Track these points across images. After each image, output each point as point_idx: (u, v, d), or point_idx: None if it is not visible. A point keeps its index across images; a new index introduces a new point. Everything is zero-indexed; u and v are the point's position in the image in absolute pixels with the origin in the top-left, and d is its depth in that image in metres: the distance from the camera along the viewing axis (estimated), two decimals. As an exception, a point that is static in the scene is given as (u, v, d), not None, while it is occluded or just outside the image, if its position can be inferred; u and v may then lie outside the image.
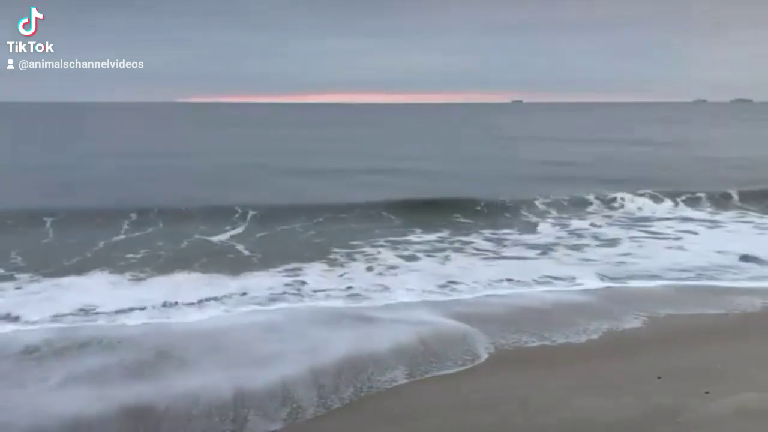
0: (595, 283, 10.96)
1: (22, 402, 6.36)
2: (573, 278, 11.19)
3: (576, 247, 13.73)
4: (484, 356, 7.72)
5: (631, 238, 14.70)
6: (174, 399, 6.39)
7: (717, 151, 34.90)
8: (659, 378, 6.93)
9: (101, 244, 13.27)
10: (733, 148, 36.34)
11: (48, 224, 14.46)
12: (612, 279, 11.27)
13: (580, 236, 14.88)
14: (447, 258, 12.65)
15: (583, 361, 7.64)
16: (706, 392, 6.48)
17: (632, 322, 8.94)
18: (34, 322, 8.61)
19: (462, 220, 16.18)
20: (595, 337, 8.43)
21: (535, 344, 8.15)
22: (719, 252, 13.11)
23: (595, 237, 14.78)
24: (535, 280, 11.04)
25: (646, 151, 35.09)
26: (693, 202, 18.30)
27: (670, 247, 13.92)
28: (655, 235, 15.10)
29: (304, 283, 10.75)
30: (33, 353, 7.60)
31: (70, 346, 7.78)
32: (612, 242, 14.26)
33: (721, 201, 18.34)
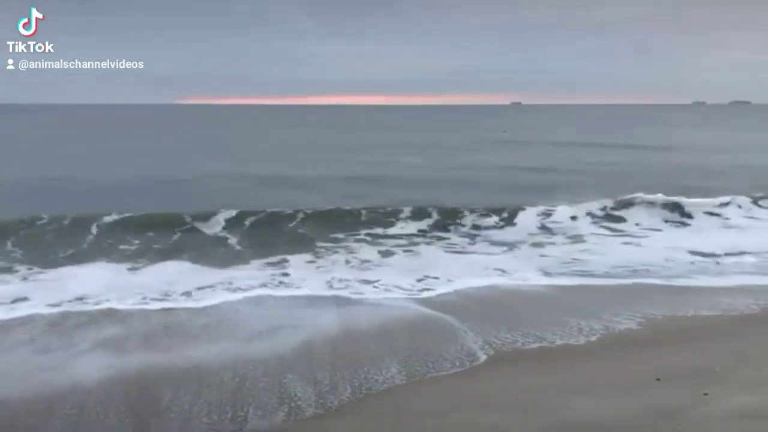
0: (540, 279, 11.48)
1: (58, 364, 7.30)
2: (513, 272, 11.81)
3: (539, 245, 14.32)
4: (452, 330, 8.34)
5: (596, 234, 15.38)
6: (184, 362, 7.35)
7: (711, 156, 34.52)
8: (658, 379, 6.93)
9: (96, 239, 13.63)
10: (728, 154, 35.93)
11: (44, 222, 14.47)
12: (552, 275, 11.75)
13: (552, 234, 15.37)
14: (418, 253, 13.37)
15: (578, 361, 7.68)
16: (705, 394, 6.48)
17: (627, 323, 8.98)
18: (49, 305, 9.36)
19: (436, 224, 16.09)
20: (593, 338, 8.48)
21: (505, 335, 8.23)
22: (672, 248, 13.76)
23: (564, 234, 15.32)
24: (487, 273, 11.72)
25: (642, 156, 34.68)
26: (670, 204, 18.16)
27: (628, 243, 14.61)
28: (620, 233, 15.68)
29: (286, 275, 11.52)
30: (57, 326, 8.58)
31: (87, 321, 8.77)
32: (576, 239, 14.86)
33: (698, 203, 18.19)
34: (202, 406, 6.43)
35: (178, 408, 6.39)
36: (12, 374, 7.11)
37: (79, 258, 12.22)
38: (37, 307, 9.27)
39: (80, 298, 9.72)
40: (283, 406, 6.48)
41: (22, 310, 9.14)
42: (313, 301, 9.99)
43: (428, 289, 10.70)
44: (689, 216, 17.03)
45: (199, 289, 10.35)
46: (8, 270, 11.39)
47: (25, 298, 9.70)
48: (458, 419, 6.15)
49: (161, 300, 9.81)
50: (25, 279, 10.87)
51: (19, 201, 17.77)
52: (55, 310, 9.19)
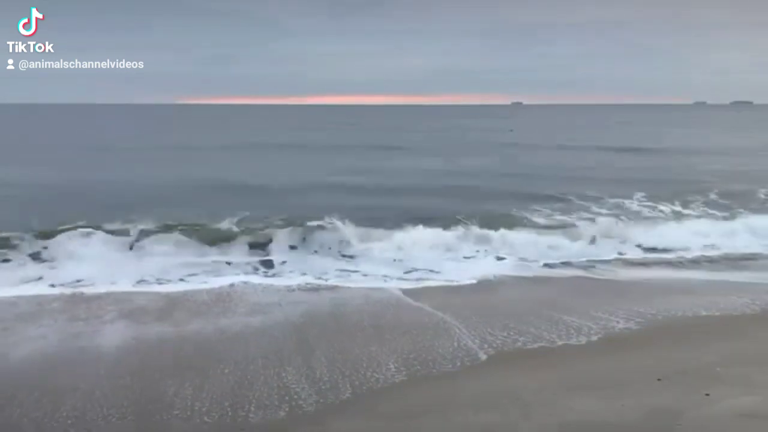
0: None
1: (91, 332, 8.27)
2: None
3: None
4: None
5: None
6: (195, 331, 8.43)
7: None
8: (659, 380, 6.91)
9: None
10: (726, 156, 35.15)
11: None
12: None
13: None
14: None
15: (579, 360, 7.66)
16: (707, 394, 6.47)
17: (625, 325, 8.96)
18: (64, 284, 10.35)
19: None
20: (594, 337, 8.45)
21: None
22: (623, 242, 14.31)
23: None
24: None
25: (637, 159, 33.47)
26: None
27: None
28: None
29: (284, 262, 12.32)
30: (78, 297, 9.70)
31: (104, 295, 9.82)
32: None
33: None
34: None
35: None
36: (51, 338, 8.05)
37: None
38: (55, 286, 10.25)
39: (90, 278, 10.58)
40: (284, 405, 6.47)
41: (45, 286, 10.28)
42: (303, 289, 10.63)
43: (418, 279, 11.32)
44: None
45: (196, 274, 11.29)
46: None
47: (41, 277, 10.75)
48: (458, 418, 6.12)
49: (163, 283, 10.67)
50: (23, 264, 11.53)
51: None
52: (75, 286, 10.21)
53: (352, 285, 10.87)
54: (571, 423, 5.95)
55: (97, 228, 12.75)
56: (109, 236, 12.50)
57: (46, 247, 11.96)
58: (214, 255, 12.31)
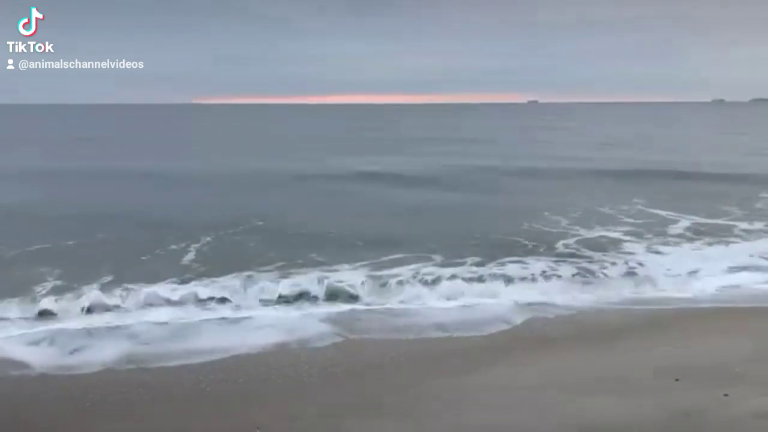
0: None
1: None
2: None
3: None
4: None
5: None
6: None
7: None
8: (677, 380, 6.70)
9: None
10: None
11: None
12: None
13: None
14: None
15: (595, 360, 7.47)
16: (725, 395, 6.26)
17: (642, 323, 8.80)
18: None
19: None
20: (609, 336, 8.26)
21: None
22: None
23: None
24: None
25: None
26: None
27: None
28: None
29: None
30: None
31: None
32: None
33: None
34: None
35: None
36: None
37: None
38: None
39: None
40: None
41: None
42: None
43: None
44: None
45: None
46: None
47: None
48: (473, 419, 5.98)
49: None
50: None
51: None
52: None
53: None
54: (588, 424, 5.78)
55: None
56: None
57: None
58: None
